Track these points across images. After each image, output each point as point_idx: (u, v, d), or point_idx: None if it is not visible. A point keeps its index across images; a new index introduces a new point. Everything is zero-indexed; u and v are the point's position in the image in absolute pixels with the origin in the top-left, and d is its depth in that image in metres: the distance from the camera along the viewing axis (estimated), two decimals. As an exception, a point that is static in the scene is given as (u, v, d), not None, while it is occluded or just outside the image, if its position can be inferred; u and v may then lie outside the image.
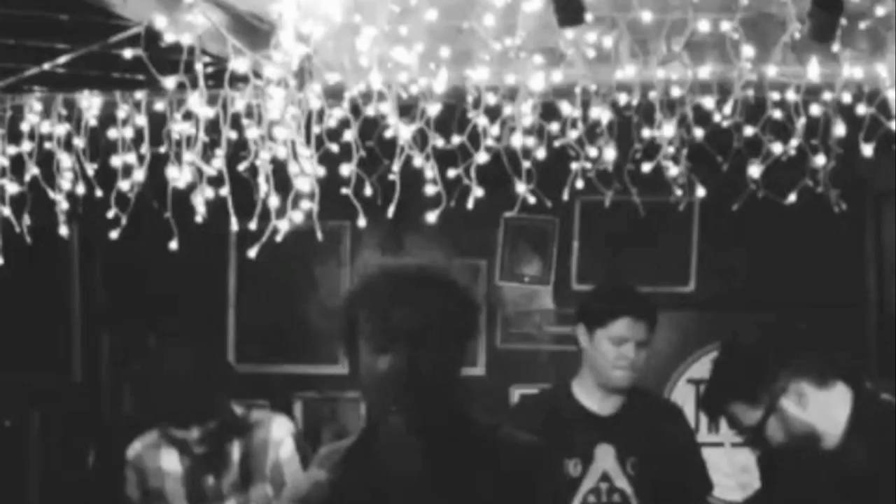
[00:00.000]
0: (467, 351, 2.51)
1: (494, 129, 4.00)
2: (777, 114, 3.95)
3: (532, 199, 4.12)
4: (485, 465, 2.45)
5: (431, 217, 4.01)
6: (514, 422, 3.27)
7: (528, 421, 3.59)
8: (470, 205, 4.05)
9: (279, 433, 3.94)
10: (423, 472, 2.43)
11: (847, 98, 3.92)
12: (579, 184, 4.21)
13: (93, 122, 4.20)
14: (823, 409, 3.00)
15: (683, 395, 5.52)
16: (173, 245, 4.06)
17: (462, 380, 2.48)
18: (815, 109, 3.95)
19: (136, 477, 4.00)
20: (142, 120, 4.11)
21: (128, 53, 3.46)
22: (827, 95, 3.94)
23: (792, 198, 4.11)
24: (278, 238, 3.89)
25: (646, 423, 4.07)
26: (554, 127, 4.06)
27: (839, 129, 3.95)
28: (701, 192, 4.22)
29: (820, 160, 4.01)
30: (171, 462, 3.96)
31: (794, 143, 3.97)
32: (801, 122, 3.93)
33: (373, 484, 2.45)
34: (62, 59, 3.86)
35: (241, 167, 3.89)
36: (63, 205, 4.30)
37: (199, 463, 3.91)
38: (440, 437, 2.43)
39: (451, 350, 2.46)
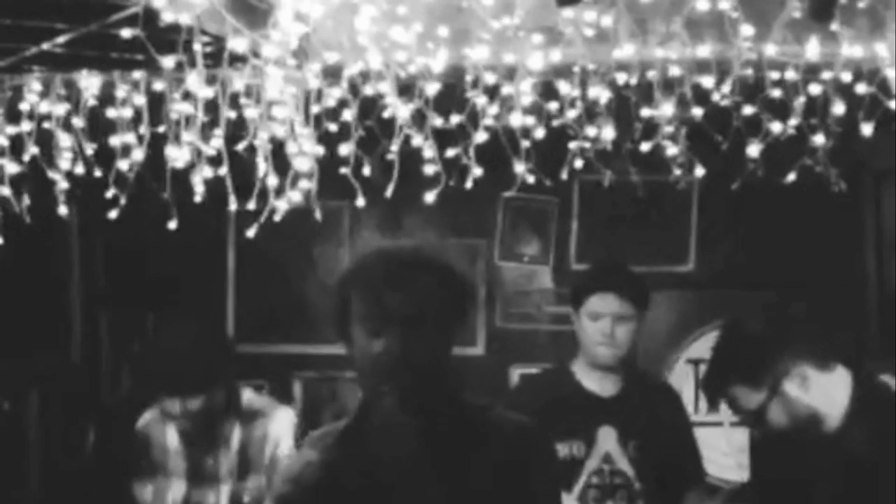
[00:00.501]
0: (461, 332, 2.51)
1: (493, 109, 4.00)
2: (776, 93, 3.95)
3: (531, 179, 4.13)
4: (477, 446, 2.45)
5: (430, 197, 4.01)
6: (515, 403, 3.27)
7: (530, 402, 3.58)
8: (469, 184, 4.06)
9: (280, 429, 3.93)
10: (417, 454, 2.44)
11: (846, 77, 3.91)
12: (578, 163, 4.22)
13: (92, 102, 4.20)
14: (825, 392, 2.99)
15: (683, 375, 5.52)
16: (172, 225, 4.07)
17: (455, 361, 2.48)
18: (814, 88, 3.94)
19: (144, 446, 4.03)
20: (140, 100, 4.11)
21: (126, 33, 3.45)
22: (826, 74, 3.93)
23: (791, 177, 4.12)
24: (277, 218, 3.90)
25: (645, 405, 4.07)
26: (553, 106, 4.06)
27: (838, 109, 3.94)
28: (700, 171, 4.22)
29: (819, 139, 4.01)
30: (173, 439, 3.99)
31: (793, 122, 3.97)
32: (800, 101, 3.93)
33: (366, 465, 2.46)
34: (61, 39, 3.85)
35: (240, 147, 3.90)
36: (62, 185, 4.30)
37: (197, 440, 3.93)
38: (433, 418, 2.44)
39: (445, 332, 2.46)
